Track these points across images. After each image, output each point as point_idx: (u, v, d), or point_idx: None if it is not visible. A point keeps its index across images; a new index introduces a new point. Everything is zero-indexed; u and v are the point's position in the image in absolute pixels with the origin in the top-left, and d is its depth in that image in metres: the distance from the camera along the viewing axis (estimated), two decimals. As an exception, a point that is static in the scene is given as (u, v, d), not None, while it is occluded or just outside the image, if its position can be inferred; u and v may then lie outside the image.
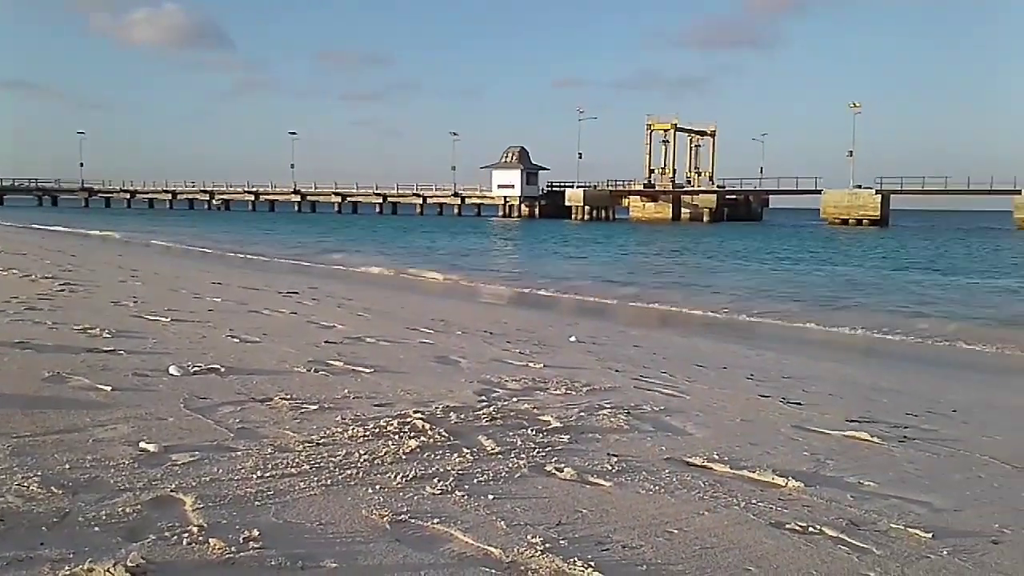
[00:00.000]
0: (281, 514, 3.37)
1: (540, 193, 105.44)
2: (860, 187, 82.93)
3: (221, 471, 3.87)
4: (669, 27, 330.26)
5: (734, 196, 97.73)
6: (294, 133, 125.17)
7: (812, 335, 14.55)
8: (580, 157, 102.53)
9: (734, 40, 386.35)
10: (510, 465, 4.23)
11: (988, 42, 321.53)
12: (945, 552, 3.40)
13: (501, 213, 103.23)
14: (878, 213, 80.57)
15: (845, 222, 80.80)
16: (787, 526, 3.58)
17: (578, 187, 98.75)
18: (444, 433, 4.74)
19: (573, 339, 10.73)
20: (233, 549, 2.98)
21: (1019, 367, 12.00)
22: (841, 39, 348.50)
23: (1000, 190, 77.13)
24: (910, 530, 3.63)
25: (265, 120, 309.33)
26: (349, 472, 3.95)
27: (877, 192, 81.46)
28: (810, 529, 3.56)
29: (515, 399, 5.97)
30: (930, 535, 3.57)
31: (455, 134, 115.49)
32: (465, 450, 4.44)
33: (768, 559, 3.20)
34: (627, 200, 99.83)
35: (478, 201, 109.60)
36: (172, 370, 6.17)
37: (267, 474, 3.85)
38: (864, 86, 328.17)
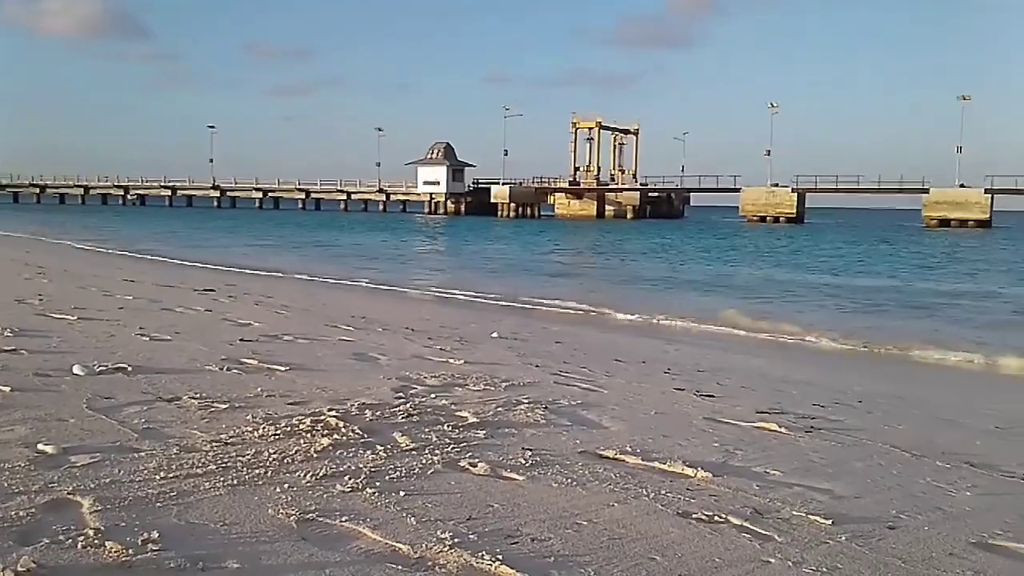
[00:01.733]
0: (183, 515, 3.28)
1: (466, 190, 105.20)
2: (777, 185, 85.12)
3: (122, 472, 3.75)
4: (595, 26, 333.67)
5: (657, 193, 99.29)
6: (212, 127, 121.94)
7: (728, 331, 14.85)
8: (506, 154, 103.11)
9: (658, 39, 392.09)
10: (424, 461, 4.21)
11: (901, 43, 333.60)
12: (843, 538, 3.51)
13: (427, 210, 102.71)
14: (794, 210, 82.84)
15: (763, 219, 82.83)
16: (694, 516, 3.66)
17: (504, 184, 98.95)
18: (358, 431, 4.70)
19: (495, 335, 10.75)
20: (130, 552, 2.90)
21: (921, 361, 12.48)
22: (760, 40, 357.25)
23: (909, 188, 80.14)
24: (811, 517, 3.74)
25: (185, 113, 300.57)
26: (257, 471, 3.87)
27: (793, 190, 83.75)
28: (715, 518, 3.64)
29: (433, 395, 5.95)
30: (830, 521, 3.69)
31: (380, 130, 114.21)
32: (379, 447, 4.40)
33: (673, 548, 3.26)
34: (553, 197, 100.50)
35: (403, 198, 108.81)
36: (76, 369, 5.96)
37: (171, 475, 3.75)
38: (782, 86, 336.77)
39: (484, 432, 4.91)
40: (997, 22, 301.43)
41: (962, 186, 77.22)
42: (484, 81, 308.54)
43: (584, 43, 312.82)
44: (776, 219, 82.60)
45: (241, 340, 8.04)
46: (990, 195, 75.33)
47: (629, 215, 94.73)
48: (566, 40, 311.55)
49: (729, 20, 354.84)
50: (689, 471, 4.39)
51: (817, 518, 3.73)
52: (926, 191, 78.18)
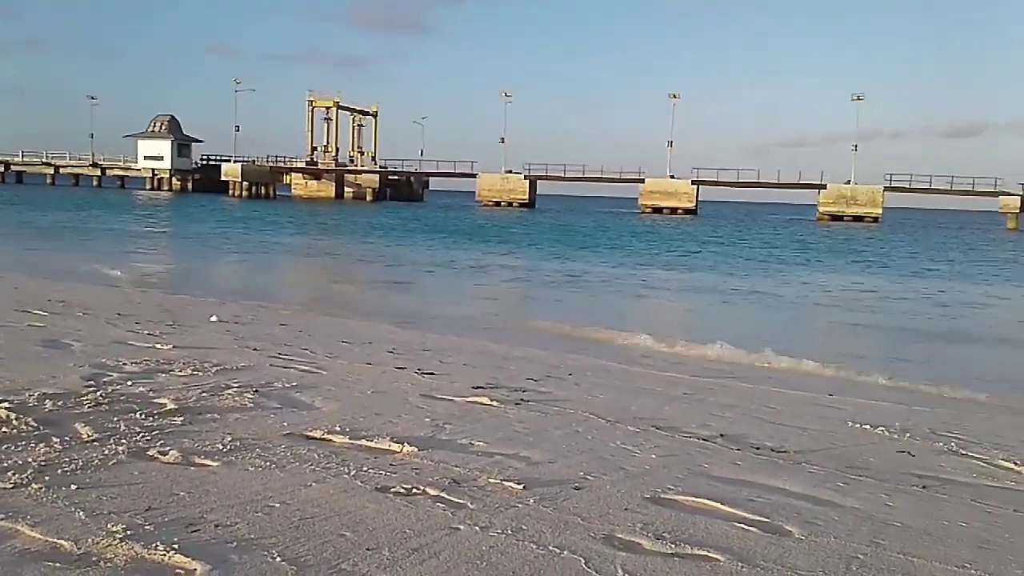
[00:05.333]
0: None
1: (194, 166, 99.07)
2: (511, 172, 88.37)
3: None
4: (331, 3, 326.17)
5: (397, 177, 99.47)
6: None
7: (460, 313, 15.21)
8: (238, 130, 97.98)
9: (395, 23, 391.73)
10: (106, 452, 3.90)
11: (621, 40, 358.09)
12: (532, 500, 3.70)
13: (149, 187, 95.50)
14: (527, 197, 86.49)
15: (499, 204, 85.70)
16: (392, 490, 3.68)
17: (236, 162, 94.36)
18: (33, 423, 4.26)
19: (214, 319, 10.23)
20: None
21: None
22: (493, 30, 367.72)
23: (628, 179, 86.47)
24: (505, 483, 3.91)
25: None
26: None
27: (526, 177, 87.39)
28: (413, 491, 3.69)
29: (130, 382, 5.54)
30: (522, 486, 3.87)
31: (94, 99, 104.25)
32: (55, 440, 4.02)
33: (366, 523, 3.26)
34: (289, 177, 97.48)
35: (122, 173, 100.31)
36: None
37: None
38: (516, 75, 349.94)
39: (182, 419, 4.65)
40: (708, 23, 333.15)
41: (672, 177, 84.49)
42: (210, 52, 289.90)
43: (318, 20, 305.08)
44: (510, 204, 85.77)
45: (-99, 328, 7.02)
46: (696, 186, 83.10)
47: (369, 197, 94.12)
48: (299, 15, 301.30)
49: (463, 7, 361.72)
50: (395, 447, 4.43)
51: (511, 484, 3.90)
52: (642, 181, 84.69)
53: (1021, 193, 72.60)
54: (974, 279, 26.69)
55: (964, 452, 5.42)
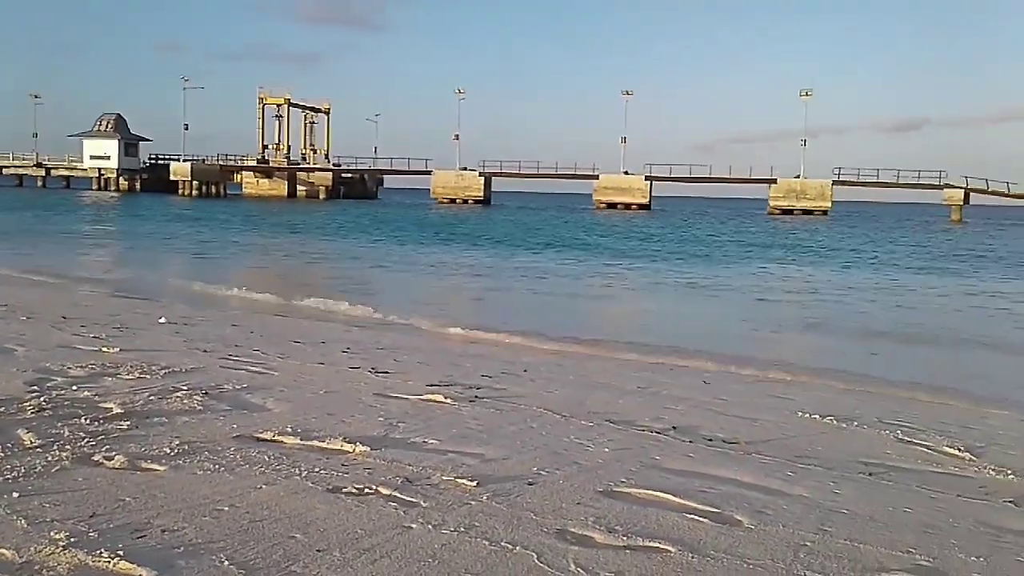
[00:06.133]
0: None
1: (142, 166, 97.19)
2: (466, 169, 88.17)
3: None
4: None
5: (350, 174, 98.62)
6: None
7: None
8: (187, 128, 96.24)
9: (346, 18, 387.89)
10: (49, 458, 3.81)
11: (575, 37, 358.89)
12: (485, 497, 3.70)
13: (96, 187, 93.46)
14: (482, 194, 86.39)
15: (453, 201, 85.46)
16: (344, 490, 3.66)
17: (185, 160, 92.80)
18: (-29, 430, 4.14)
19: (163, 320, 10.06)
20: None
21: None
22: (445, 26, 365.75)
23: (582, 175, 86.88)
24: (458, 480, 3.90)
25: None
26: None
27: (480, 174, 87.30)
28: (365, 490, 3.67)
29: (75, 387, 5.42)
30: (475, 483, 3.87)
31: (37, 96, 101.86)
32: (-5, 447, 3.91)
33: (316, 524, 3.23)
34: (240, 176, 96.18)
35: (67, 173, 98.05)
36: None
37: None
38: (469, 72, 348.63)
39: (129, 423, 4.56)
40: (659, 20, 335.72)
41: (626, 173, 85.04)
42: (158, 49, 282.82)
43: (266, 17, 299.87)
44: (465, 201, 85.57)
45: None
46: (649, 181, 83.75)
47: (322, 195, 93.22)
48: (246, 11, 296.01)
49: (415, 4, 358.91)
50: (348, 447, 4.39)
51: (464, 481, 3.89)
52: (596, 177, 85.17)
53: (964, 186, 74.45)
54: (907, 267, 27.44)
55: (909, 439, 5.55)
